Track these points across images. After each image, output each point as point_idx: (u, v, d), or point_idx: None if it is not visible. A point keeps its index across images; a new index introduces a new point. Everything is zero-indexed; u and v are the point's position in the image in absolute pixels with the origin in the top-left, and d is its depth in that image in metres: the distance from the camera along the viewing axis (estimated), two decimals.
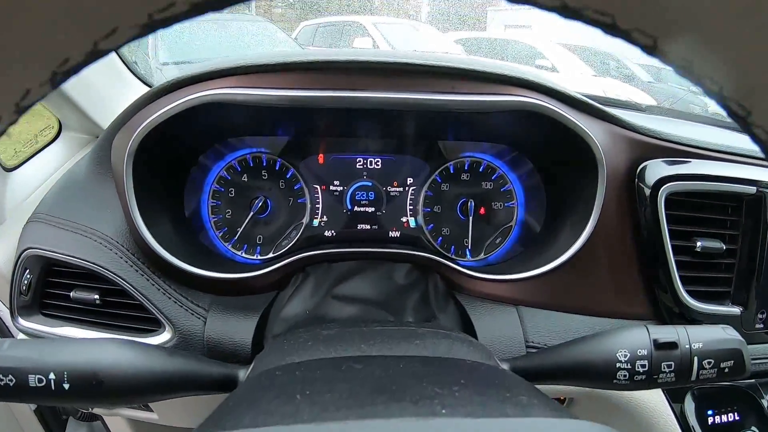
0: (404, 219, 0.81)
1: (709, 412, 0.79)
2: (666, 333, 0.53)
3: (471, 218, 0.81)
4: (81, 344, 0.49)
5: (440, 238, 0.82)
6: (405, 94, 0.65)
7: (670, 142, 0.75)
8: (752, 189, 0.76)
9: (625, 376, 0.52)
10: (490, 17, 7.24)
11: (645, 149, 0.73)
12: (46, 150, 0.94)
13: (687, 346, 0.52)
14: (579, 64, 4.87)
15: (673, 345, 0.52)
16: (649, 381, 0.52)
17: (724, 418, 0.80)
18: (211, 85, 0.66)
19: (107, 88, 0.87)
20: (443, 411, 0.31)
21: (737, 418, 0.80)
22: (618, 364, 0.52)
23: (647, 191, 0.71)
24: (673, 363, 0.52)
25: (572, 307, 0.72)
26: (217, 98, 0.64)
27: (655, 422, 0.76)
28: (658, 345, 0.52)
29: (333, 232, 0.80)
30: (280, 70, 0.65)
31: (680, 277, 0.72)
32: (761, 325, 0.79)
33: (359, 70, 0.65)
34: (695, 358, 0.52)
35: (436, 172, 0.81)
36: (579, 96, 0.70)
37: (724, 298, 0.78)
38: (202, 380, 0.51)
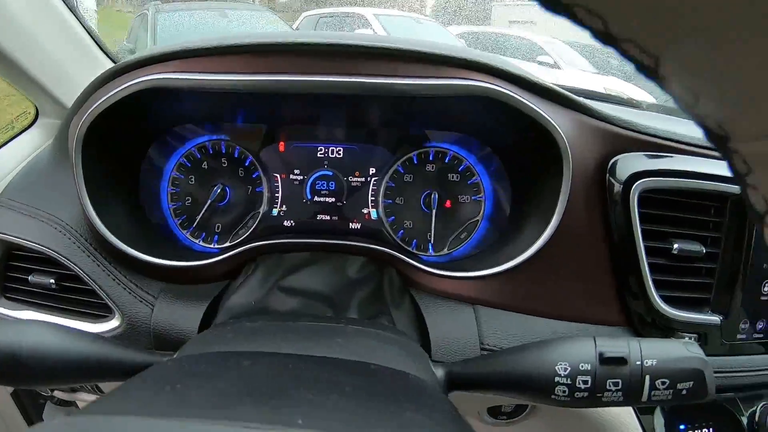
0: (366, 210, 0.78)
1: (682, 427, 0.74)
2: (615, 346, 0.47)
3: (434, 211, 0.77)
4: (5, 324, 0.49)
5: (401, 231, 0.79)
6: (342, 78, 0.61)
7: (648, 135, 0.70)
8: (738, 188, 0.72)
9: (564, 392, 0.47)
10: (495, 12, 7.18)
11: (619, 142, 0.68)
12: (21, 135, 0.92)
13: (638, 363, 0.46)
14: (581, 61, 4.83)
15: (621, 360, 0.46)
16: (592, 399, 0.46)
17: None
18: (154, 69, 0.64)
19: (83, 76, 0.84)
20: (299, 421, 0.28)
21: None
22: (557, 378, 0.47)
23: (618, 187, 0.66)
24: (620, 381, 0.46)
25: (535, 309, 0.68)
26: (153, 84, 0.62)
27: None
28: (604, 359, 0.46)
29: (292, 222, 0.78)
30: (218, 54, 0.62)
31: (654, 281, 0.67)
32: (744, 336, 0.74)
33: (297, 53, 0.62)
34: (647, 377, 0.46)
35: (398, 163, 0.78)
36: (542, 82, 0.66)
37: (703, 305, 0.73)
38: (123, 367, 0.49)
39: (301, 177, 0.77)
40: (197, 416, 0.27)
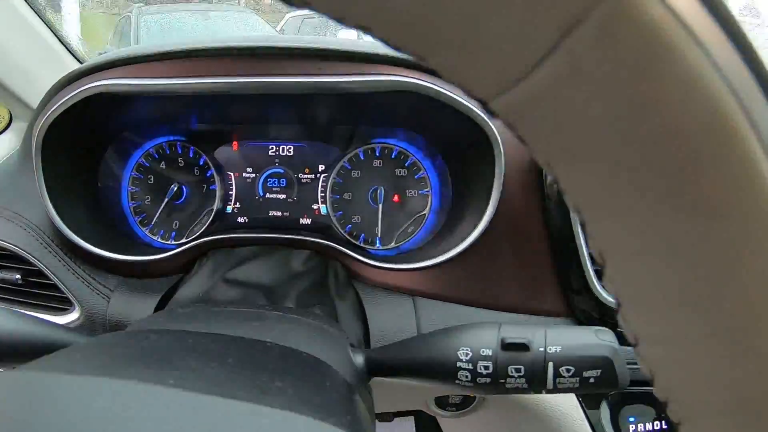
0: (315, 206, 0.80)
1: (631, 419, 0.71)
2: (517, 332, 0.46)
3: (380, 206, 0.79)
4: None
5: (349, 225, 0.80)
6: (269, 78, 0.64)
7: None
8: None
9: (466, 377, 0.46)
10: None
11: None
12: None
13: (541, 349, 0.45)
14: None
15: (523, 346, 0.45)
16: (495, 385, 0.45)
17: (649, 426, 0.72)
18: (104, 75, 0.67)
19: (51, 79, 0.89)
20: (170, 381, 0.30)
21: (665, 426, 0.72)
22: (459, 363, 0.46)
23: (552, 178, 0.64)
24: (522, 367, 0.45)
25: (474, 299, 0.68)
26: (99, 90, 0.65)
27: (567, 428, 0.71)
28: (505, 345, 0.45)
29: (246, 218, 0.81)
30: (159, 59, 0.66)
31: (597, 272, 0.64)
32: None
33: (229, 56, 0.65)
34: (550, 364, 0.44)
35: (345, 159, 0.80)
36: None
37: None
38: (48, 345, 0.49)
39: (254, 175, 0.80)
40: (80, 373, 0.30)
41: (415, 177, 0.82)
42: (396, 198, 0.80)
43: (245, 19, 5.64)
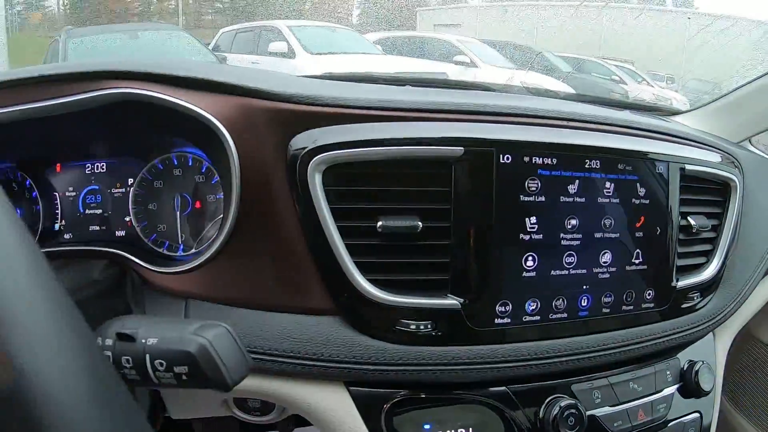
0: (127, 218, 0.79)
1: (427, 427, 0.69)
2: (133, 323, 0.47)
3: (179, 212, 0.78)
4: None
5: (154, 234, 0.79)
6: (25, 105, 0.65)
7: (339, 107, 0.66)
8: (459, 150, 0.66)
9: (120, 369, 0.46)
10: (420, 17, 7.22)
11: (302, 119, 0.65)
12: None
13: (143, 341, 0.46)
14: (499, 58, 4.87)
15: (130, 338, 0.46)
16: (118, 376, 0.45)
17: None
18: None
19: None
20: None
21: None
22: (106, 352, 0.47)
23: (295, 167, 0.63)
24: (131, 358, 0.46)
25: (241, 300, 0.66)
26: None
27: None
28: (120, 336, 0.46)
29: (70, 234, 0.81)
30: None
31: (360, 264, 0.64)
32: (507, 320, 0.71)
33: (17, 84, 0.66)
34: (147, 356, 0.45)
35: (144, 170, 0.79)
36: (193, 75, 0.65)
37: (440, 288, 0.68)
38: None
39: (74, 193, 0.81)
40: None
41: (212, 182, 0.80)
42: (198, 204, 0.80)
43: (175, 38, 5.62)
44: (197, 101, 0.64)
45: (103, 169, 0.80)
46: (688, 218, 0.86)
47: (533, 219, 0.70)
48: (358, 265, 0.64)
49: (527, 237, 0.70)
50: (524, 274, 0.71)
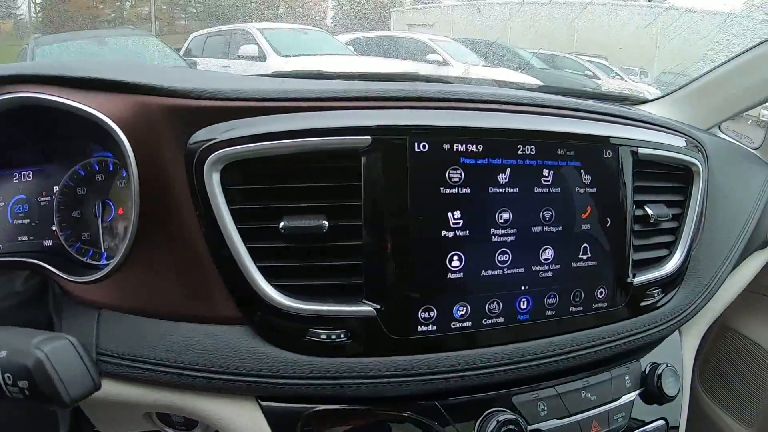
0: (54, 228, 0.75)
1: None
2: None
3: (100, 220, 0.73)
4: None
5: (78, 243, 0.75)
6: None
7: (238, 100, 0.60)
8: (367, 139, 0.59)
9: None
10: (394, 17, 7.18)
11: (200, 115, 0.60)
12: None
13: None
14: (472, 56, 4.83)
15: None
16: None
17: None
18: None
19: None
20: None
21: None
22: None
23: (193, 165, 0.58)
24: None
25: (148, 310, 0.62)
26: None
27: None
28: None
29: (1, 246, 0.75)
30: None
31: (265, 269, 0.59)
32: (431, 327, 0.63)
33: None
34: None
35: (66, 177, 0.75)
36: (80, 74, 0.62)
37: (355, 293, 0.61)
38: None
39: (3, 203, 0.77)
40: None
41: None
42: (121, 210, 0.76)
43: (145, 43, 5.53)
44: (89, 101, 0.60)
45: (29, 177, 0.77)
46: (645, 207, 0.78)
47: (457, 213, 0.62)
48: (263, 270, 0.59)
49: (451, 234, 0.62)
50: (449, 275, 0.62)
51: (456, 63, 4.64)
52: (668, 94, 1.23)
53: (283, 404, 0.62)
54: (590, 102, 0.84)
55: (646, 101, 1.22)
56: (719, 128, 1.24)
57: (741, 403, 1.32)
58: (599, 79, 5.16)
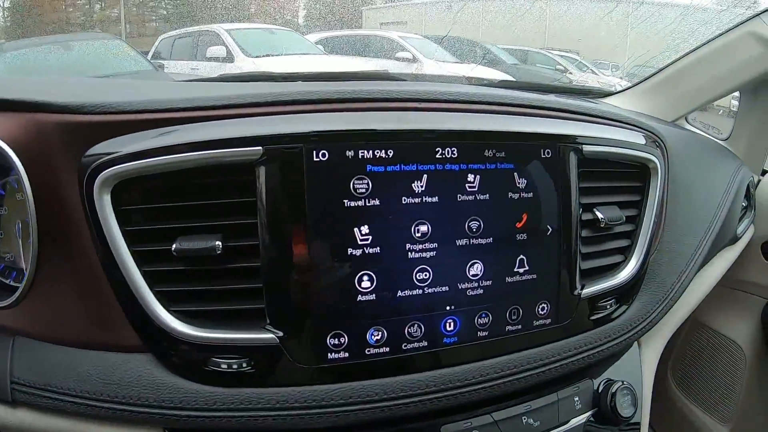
0: None
1: None
2: None
3: (20, 240, 0.66)
4: None
5: (2, 264, 0.69)
6: None
7: (132, 113, 0.56)
8: (257, 150, 0.53)
9: None
10: (366, 16, 7.10)
11: (93, 131, 0.56)
12: None
13: None
14: (442, 53, 4.78)
15: None
16: None
17: None
18: None
19: None
20: None
21: None
22: None
23: (84, 184, 0.54)
24: None
25: (55, 337, 0.58)
26: None
27: None
28: None
29: None
30: None
31: (162, 293, 0.55)
32: (343, 355, 0.57)
33: None
34: None
35: None
36: None
37: (256, 319, 0.56)
38: None
39: None
40: None
41: None
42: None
43: (110, 46, 5.41)
44: None
45: None
46: (594, 211, 0.70)
47: (365, 228, 0.55)
48: (161, 295, 0.55)
49: (359, 252, 0.55)
50: (360, 297, 0.55)
51: (425, 60, 4.58)
52: (634, 85, 1.17)
53: None
54: (549, 97, 0.77)
55: (611, 94, 1.16)
56: (686, 120, 1.18)
57: (717, 400, 1.27)
58: (570, 73, 5.12)
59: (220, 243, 0.53)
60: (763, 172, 1.18)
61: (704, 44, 1.07)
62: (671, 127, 1.01)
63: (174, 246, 0.53)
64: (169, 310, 0.54)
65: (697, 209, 0.87)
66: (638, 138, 0.76)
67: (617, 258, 0.75)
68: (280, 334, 0.54)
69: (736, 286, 1.22)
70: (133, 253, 0.54)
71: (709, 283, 0.93)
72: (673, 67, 1.11)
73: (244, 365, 0.54)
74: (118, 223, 0.53)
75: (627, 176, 0.76)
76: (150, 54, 5.79)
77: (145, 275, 0.54)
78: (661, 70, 1.14)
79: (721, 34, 1.06)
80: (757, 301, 1.19)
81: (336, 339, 0.55)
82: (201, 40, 5.36)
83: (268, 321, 0.55)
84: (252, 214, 0.54)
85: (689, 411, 1.32)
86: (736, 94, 1.19)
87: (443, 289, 0.59)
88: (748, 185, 1.01)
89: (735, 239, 0.99)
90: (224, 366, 0.54)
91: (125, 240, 0.53)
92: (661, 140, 0.81)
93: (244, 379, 0.55)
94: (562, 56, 5.43)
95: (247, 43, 4.90)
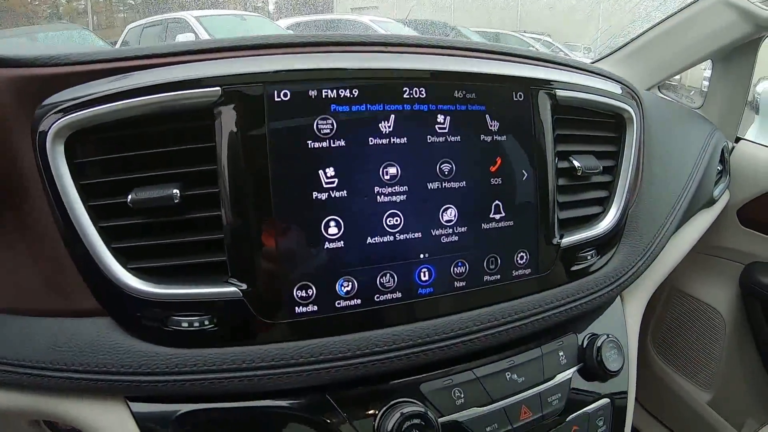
0: None
1: None
2: None
3: None
4: None
5: None
6: None
7: (85, 63, 0.52)
8: (216, 91, 0.50)
9: None
10: (337, 1, 7.04)
11: (47, 84, 0.52)
12: None
13: None
14: (414, 36, 4.77)
15: None
16: None
17: None
18: None
19: None
20: None
21: None
22: None
23: (36, 137, 0.51)
24: None
25: (14, 306, 0.55)
26: None
27: None
28: None
29: None
30: None
31: (119, 249, 0.52)
32: (308, 309, 0.54)
33: None
34: None
35: None
36: None
37: (218, 272, 0.52)
38: None
39: None
40: None
41: None
42: None
43: (76, 37, 5.33)
44: None
45: None
46: (571, 159, 0.68)
47: (330, 170, 0.52)
48: (118, 251, 0.51)
49: (324, 195, 0.52)
50: (327, 245, 0.52)
51: None
52: (607, 55, 1.17)
53: (152, 405, 0.54)
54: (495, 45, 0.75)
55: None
56: (658, 90, 1.19)
57: (697, 366, 1.28)
58: None
59: (177, 191, 0.50)
60: (737, 140, 1.18)
61: (676, 13, 1.07)
62: (646, 92, 1.01)
63: (130, 197, 0.50)
64: (126, 268, 0.51)
65: (674, 168, 0.86)
66: (614, 88, 0.74)
67: (596, 209, 0.73)
68: (244, 286, 0.51)
69: (714, 253, 1.23)
70: (88, 209, 0.50)
71: (686, 246, 0.93)
72: (645, 37, 1.11)
73: (206, 323, 0.51)
74: (73, 177, 0.50)
75: (603, 126, 0.74)
76: (118, 43, 5.69)
77: (101, 231, 0.51)
78: (633, 39, 1.14)
79: (692, 2, 1.06)
80: (734, 267, 1.20)
81: (303, 291, 0.52)
82: (170, 28, 5.28)
83: (230, 274, 0.51)
84: (211, 161, 0.50)
85: (670, 379, 1.33)
86: (707, 73, 1.21)
87: (416, 235, 0.56)
88: (723, 150, 1.02)
89: (712, 201, 0.99)
90: (185, 324, 0.51)
91: (80, 195, 0.50)
92: (637, 94, 0.79)
93: (207, 338, 0.52)
94: (534, 39, 5.45)
95: (216, 30, 4.84)
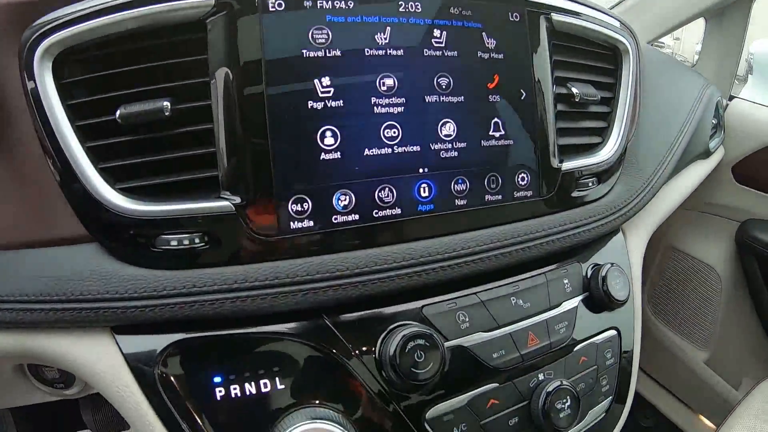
0: None
1: (218, 379, 0.51)
2: None
3: None
4: None
5: None
6: None
7: None
8: (208, 1, 0.48)
9: None
10: None
11: (36, 7, 0.50)
12: None
13: None
14: None
15: None
16: None
17: None
18: None
19: None
20: None
21: None
22: None
23: (23, 59, 0.49)
24: None
25: None
26: None
27: None
28: None
29: None
30: None
31: (104, 170, 0.50)
32: (306, 223, 0.52)
33: None
34: None
35: None
36: None
37: (210, 188, 0.51)
38: None
39: None
40: None
41: None
42: None
43: None
44: None
45: None
46: (568, 85, 0.68)
47: (326, 80, 0.51)
48: (107, 171, 0.50)
49: (319, 104, 0.51)
50: (323, 155, 0.51)
51: None
52: None
53: (140, 335, 0.51)
54: None
55: None
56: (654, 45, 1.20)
57: (693, 325, 1.28)
58: None
59: (168, 104, 0.48)
60: (731, 98, 1.18)
61: None
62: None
63: (119, 112, 0.48)
64: (114, 188, 0.49)
65: (670, 111, 0.87)
66: (610, 20, 0.73)
67: (595, 139, 0.73)
68: (237, 200, 0.50)
69: (709, 210, 1.22)
70: (76, 129, 0.49)
71: (682, 193, 0.93)
72: None
73: (197, 240, 0.50)
74: (60, 98, 0.48)
75: (600, 57, 0.73)
76: None
77: (89, 151, 0.49)
78: None
79: None
80: (729, 224, 1.20)
81: (299, 204, 0.51)
82: None
83: (222, 188, 0.50)
84: (203, 73, 0.49)
85: (667, 338, 1.32)
86: (698, 47, 1.21)
87: (414, 148, 0.55)
88: (717, 104, 1.02)
89: (708, 153, 0.99)
90: (174, 243, 0.49)
91: (67, 115, 0.49)
92: (632, 31, 0.78)
93: (198, 257, 0.50)
94: None
95: None
